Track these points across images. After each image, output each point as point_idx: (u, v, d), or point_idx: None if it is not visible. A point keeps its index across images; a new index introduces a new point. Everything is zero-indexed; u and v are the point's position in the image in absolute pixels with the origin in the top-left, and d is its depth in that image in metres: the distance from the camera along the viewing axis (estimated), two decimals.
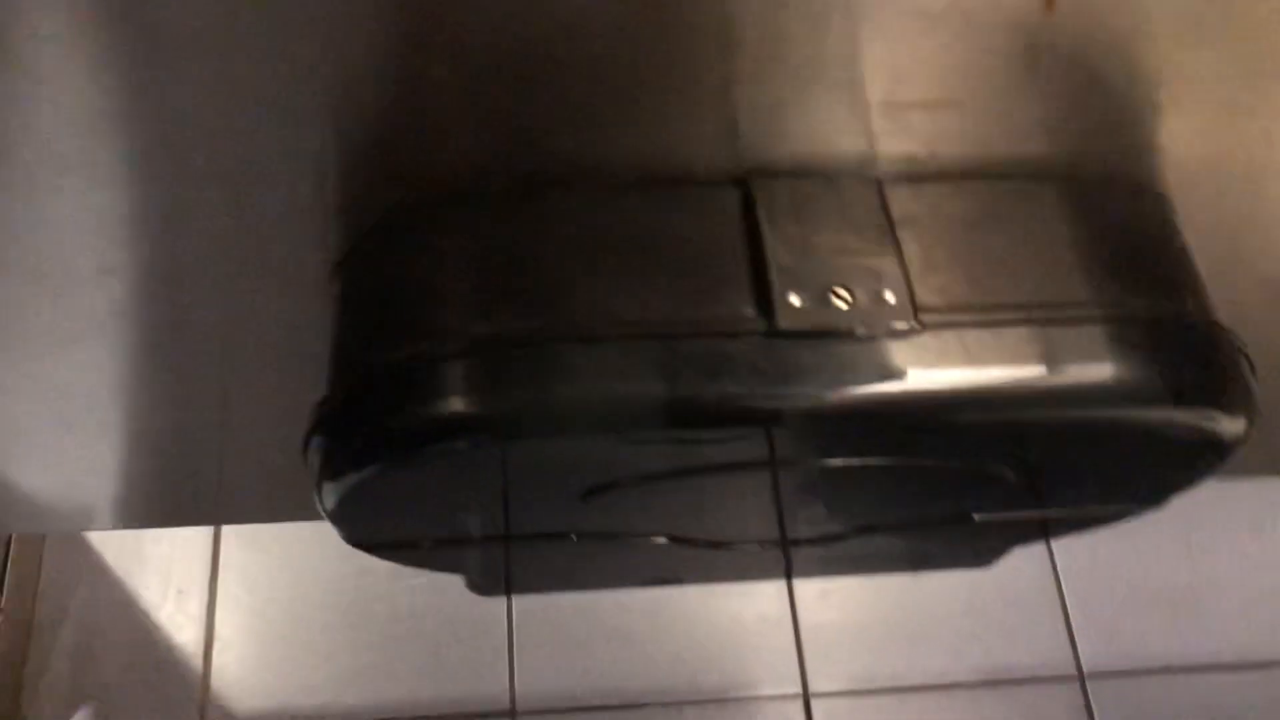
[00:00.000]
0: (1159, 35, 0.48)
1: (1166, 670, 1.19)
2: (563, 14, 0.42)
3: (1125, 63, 0.49)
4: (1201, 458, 0.54)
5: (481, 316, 0.45)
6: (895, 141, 0.50)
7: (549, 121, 0.48)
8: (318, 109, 0.46)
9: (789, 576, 1.06)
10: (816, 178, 0.50)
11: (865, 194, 0.49)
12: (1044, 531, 0.64)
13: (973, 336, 0.47)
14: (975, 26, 0.45)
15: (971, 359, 0.47)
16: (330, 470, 0.46)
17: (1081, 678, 1.16)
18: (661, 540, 0.59)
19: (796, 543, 0.63)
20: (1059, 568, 1.22)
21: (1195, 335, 0.51)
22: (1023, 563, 1.21)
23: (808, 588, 1.15)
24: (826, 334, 0.45)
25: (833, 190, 0.49)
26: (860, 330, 0.46)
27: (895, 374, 0.46)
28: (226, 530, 1.14)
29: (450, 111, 0.47)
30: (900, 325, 0.46)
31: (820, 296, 0.46)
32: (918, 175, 0.51)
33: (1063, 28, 0.46)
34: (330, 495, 0.46)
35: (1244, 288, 0.61)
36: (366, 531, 0.52)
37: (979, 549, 0.67)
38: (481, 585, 0.66)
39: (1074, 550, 1.22)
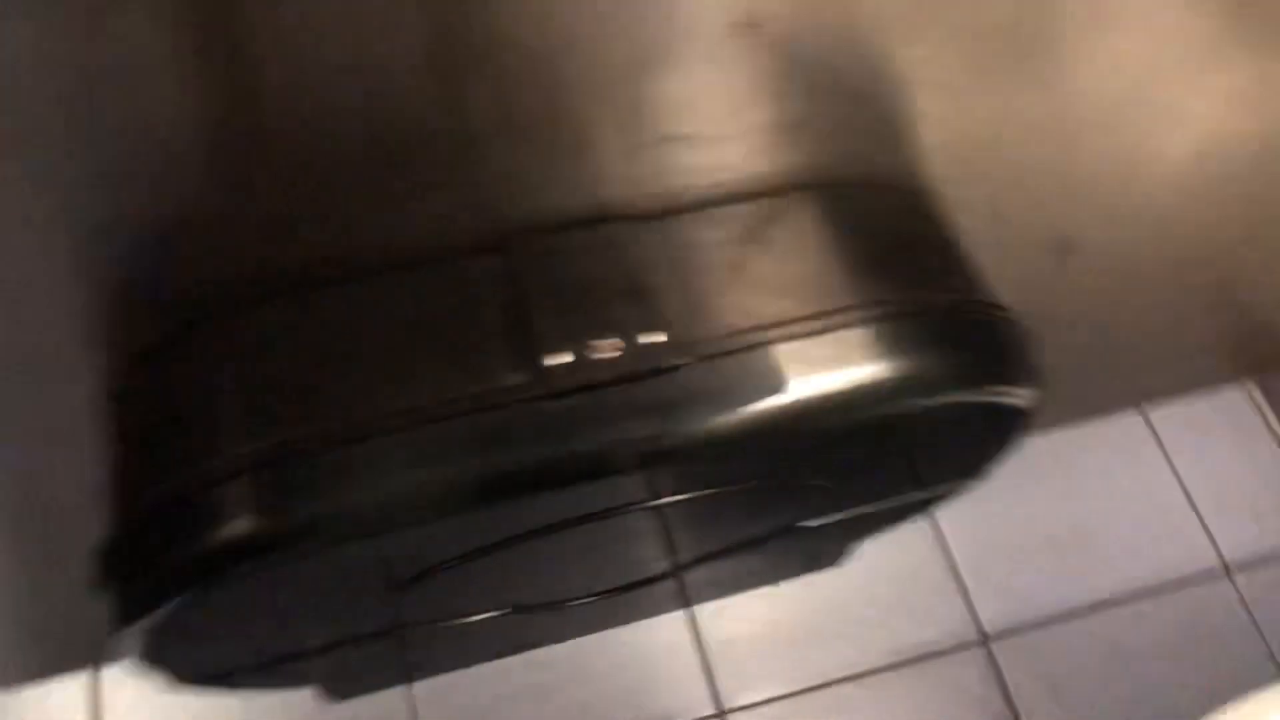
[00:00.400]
0: (874, 36, 0.49)
1: (1066, 615, 1.21)
2: (300, 113, 0.42)
3: (854, 66, 0.50)
4: (1001, 430, 0.55)
5: (254, 433, 0.44)
6: (646, 184, 0.50)
7: (300, 223, 0.48)
8: (73, 244, 0.45)
9: (649, 615, 1.06)
10: (575, 231, 0.50)
11: (624, 239, 0.50)
12: (883, 523, 0.65)
13: (749, 360, 0.47)
14: (685, 65, 0.45)
15: (749, 383, 0.47)
16: (123, 616, 0.44)
17: (986, 640, 1.18)
18: (504, 611, 0.59)
19: (638, 585, 0.63)
20: (946, 536, 1.24)
21: (972, 318, 0.53)
22: (909, 538, 1.23)
23: (703, 607, 1.15)
24: (601, 386, 0.45)
25: (592, 241, 0.50)
26: (634, 374, 0.46)
27: (676, 412, 0.46)
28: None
29: (206, 235, 0.46)
30: (672, 362, 0.46)
31: (589, 349, 0.46)
32: (676, 211, 0.51)
33: (777, 46, 0.47)
34: (128, 642, 0.45)
35: (1019, 254, 0.63)
36: (178, 670, 0.50)
37: (824, 552, 0.68)
38: (332, 692, 0.65)
39: (957, 516, 1.24)
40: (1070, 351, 0.79)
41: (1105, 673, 1.19)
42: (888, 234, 0.54)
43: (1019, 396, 0.52)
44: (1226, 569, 1.25)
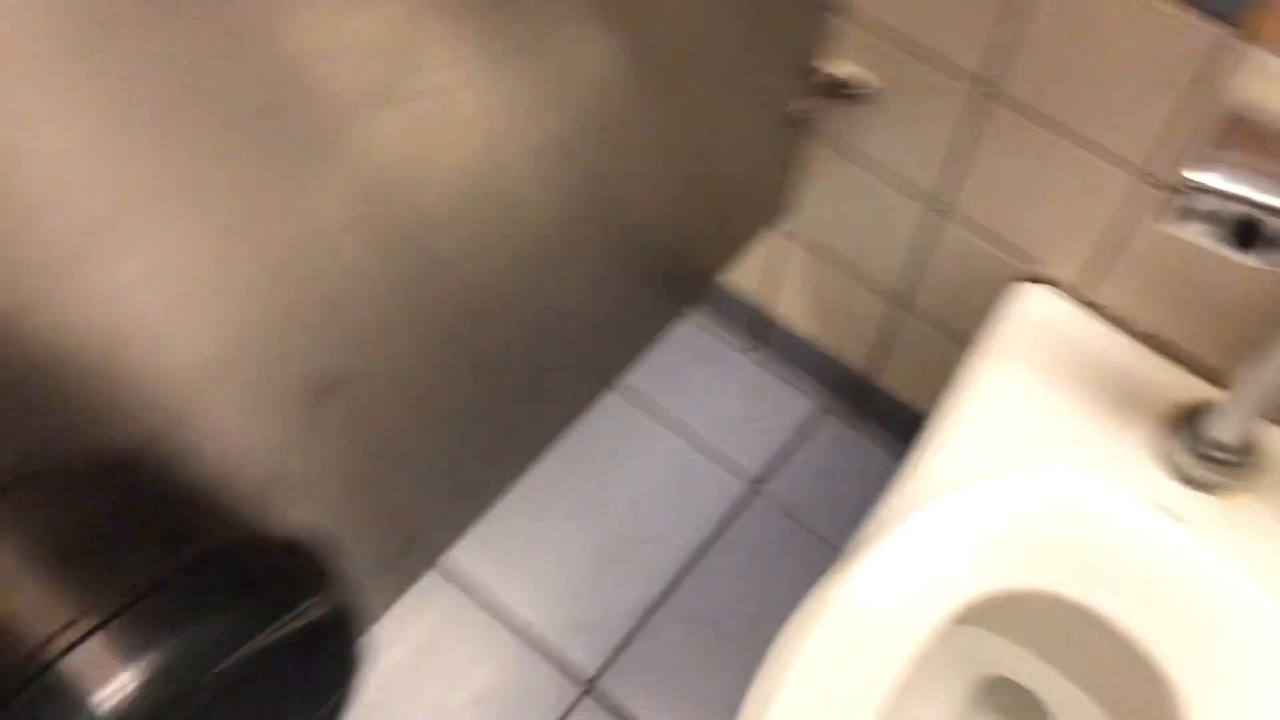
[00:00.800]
0: None
1: (645, 616, 1.21)
2: None
3: None
4: (330, 631, 0.49)
5: None
6: None
7: None
8: None
9: None
10: None
11: None
12: None
13: None
14: None
15: None
16: None
17: (591, 686, 1.16)
18: None
19: None
20: (509, 611, 1.20)
21: (230, 563, 0.45)
22: (478, 644, 1.17)
23: None
24: None
25: None
26: None
27: None
28: None
29: None
30: None
31: None
32: None
33: None
34: None
35: (288, 420, 0.57)
36: None
37: None
38: None
39: (504, 586, 1.20)
40: (487, 406, 0.75)
41: (702, 645, 1.20)
42: (110, 509, 0.45)
43: (323, 604, 0.46)
44: (755, 485, 1.31)
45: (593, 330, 1.06)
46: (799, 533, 1.28)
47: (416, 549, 0.84)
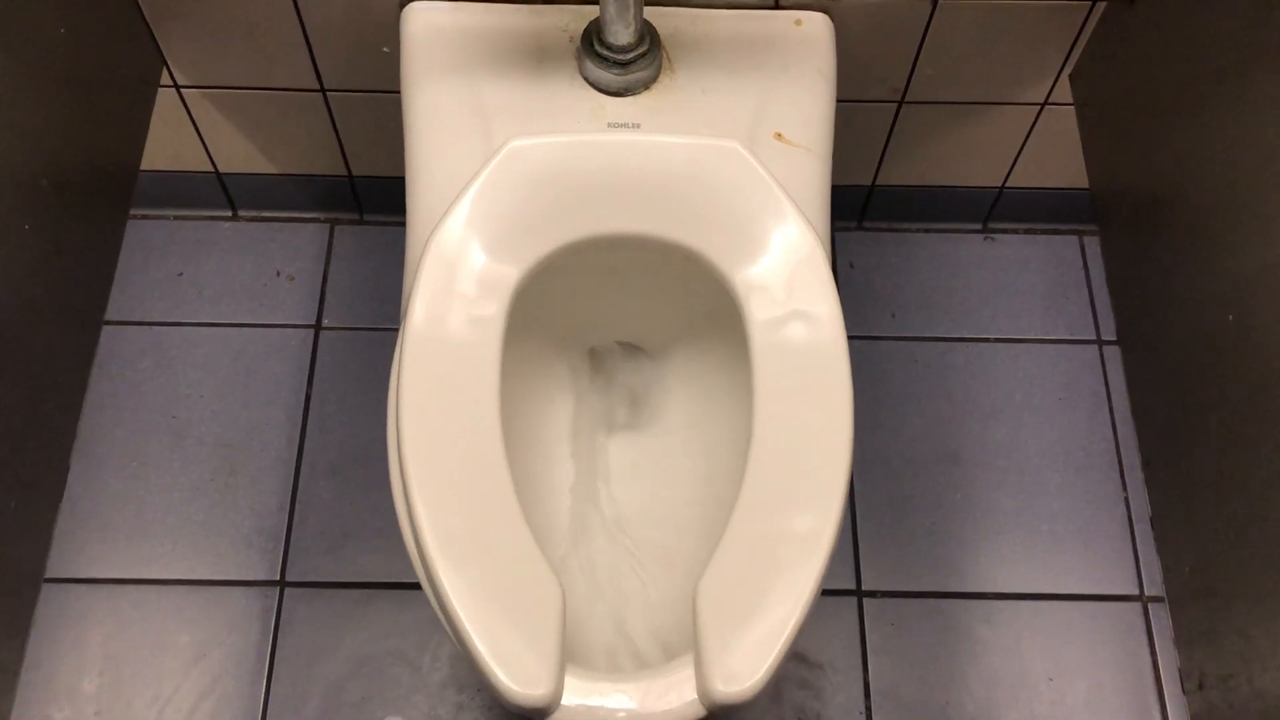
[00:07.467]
0: None
1: (289, 495, 1.20)
2: None
3: None
4: None
5: None
6: None
7: None
8: None
9: None
10: None
11: None
12: None
13: None
14: None
15: None
16: None
17: (283, 580, 1.15)
18: None
19: None
20: (150, 576, 1.15)
21: None
22: (152, 622, 1.12)
23: None
24: None
25: None
26: None
27: None
28: None
29: None
30: None
31: None
32: None
33: None
34: None
35: None
36: None
37: None
38: None
39: (125, 566, 1.16)
40: None
41: (354, 486, 1.21)
42: None
43: None
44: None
45: None
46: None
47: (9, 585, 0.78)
